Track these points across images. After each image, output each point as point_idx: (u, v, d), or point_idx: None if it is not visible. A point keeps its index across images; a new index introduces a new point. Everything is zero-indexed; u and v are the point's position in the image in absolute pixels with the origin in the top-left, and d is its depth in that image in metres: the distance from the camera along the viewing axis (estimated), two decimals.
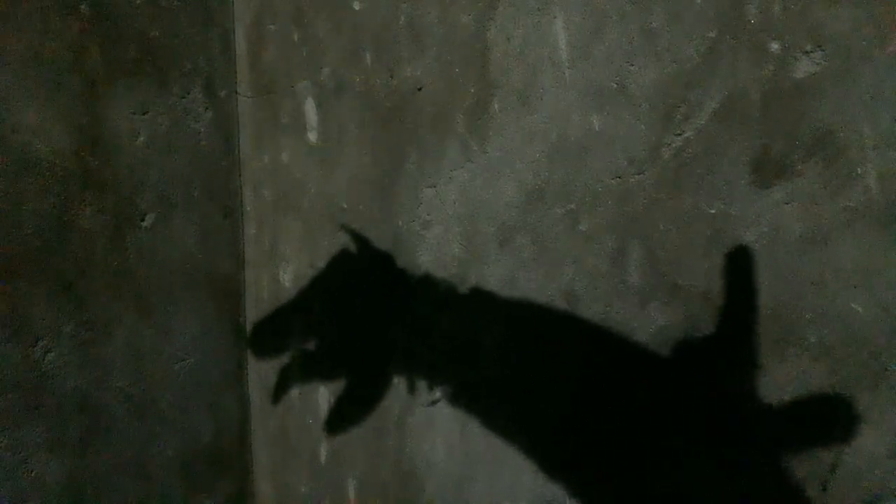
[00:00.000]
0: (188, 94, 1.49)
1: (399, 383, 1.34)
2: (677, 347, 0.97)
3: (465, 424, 1.23)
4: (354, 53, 1.36)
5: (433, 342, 1.27)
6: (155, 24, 1.41)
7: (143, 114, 1.39)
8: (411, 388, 1.32)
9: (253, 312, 1.64)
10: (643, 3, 0.97)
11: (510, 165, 1.14)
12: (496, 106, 1.14)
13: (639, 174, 0.99)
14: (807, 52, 0.83)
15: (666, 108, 0.96)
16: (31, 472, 1.20)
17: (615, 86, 1.01)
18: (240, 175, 1.63)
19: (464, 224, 1.21)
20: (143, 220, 1.40)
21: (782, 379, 0.87)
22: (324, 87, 1.42)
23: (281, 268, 1.56)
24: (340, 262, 1.44)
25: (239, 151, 1.63)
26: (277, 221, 1.56)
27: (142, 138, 1.39)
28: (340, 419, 1.46)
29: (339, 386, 1.46)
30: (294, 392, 1.55)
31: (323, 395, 1.49)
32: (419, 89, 1.25)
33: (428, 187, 1.26)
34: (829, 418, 0.84)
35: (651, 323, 0.99)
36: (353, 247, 1.40)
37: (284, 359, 1.57)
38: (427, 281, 1.27)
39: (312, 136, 1.46)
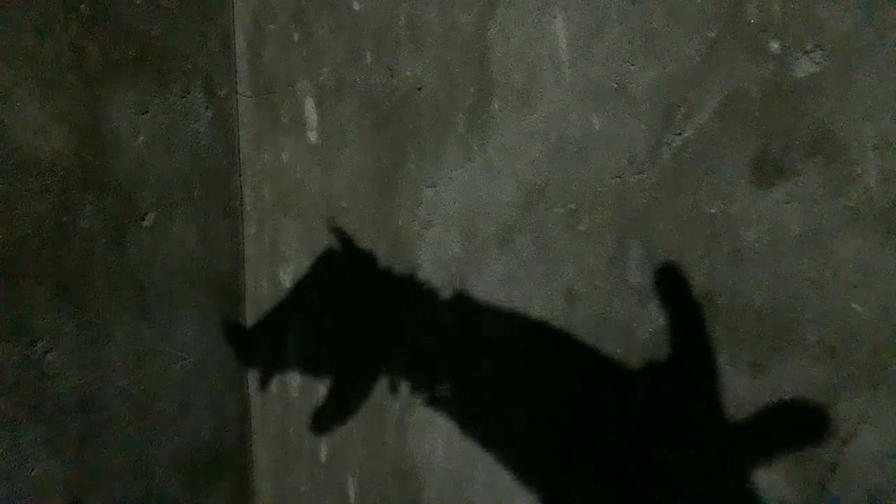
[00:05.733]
0: (188, 93, 1.49)
1: (399, 382, 1.34)
2: (677, 347, 0.97)
3: (465, 424, 1.23)
4: (354, 53, 1.36)
5: (433, 342, 1.27)
6: (155, 23, 1.41)
7: (143, 114, 1.39)
8: (412, 388, 1.32)
9: (253, 312, 1.64)
10: (643, 2, 0.97)
11: (510, 165, 1.14)
12: (496, 106, 1.14)
13: (639, 174, 0.99)
14: (807, 52, 0.83)
15: (666, 107, 0.96)
16: (31, 471, 1.20)
17: (615, 85, 1.01)
18: (240, 175, 1.63)
19: (464, 224, 1.21)
20: (143, 219, 1.40)
21: (782, 379, 0.87)
22: (324, 87, 1.42)
23: (281, 268, 1.56)
24: (340, 261, 1.44)
25: (239, 151, 1.63)
26: (277, 221, 1.56)
27: (142, 138, 1.39)
28: (338, 417, 1.46)
29: (338, 385, 1.46)
30: (294, 392, 1.55)
31: (322, 395, 1.49)
32: (419, 89, 1.25)
33: (428, 187, 1.26)
34: (828, 417, 0.84)
35: (651, 323, 0.99)
36: (352, 246, 1.40)
37: (281, 356, 1.57)
38: (427, 280, 1.28)
39: (312, 136, 1.46)
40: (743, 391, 0.91)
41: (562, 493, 1.10)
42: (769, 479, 0.89)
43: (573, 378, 1.08)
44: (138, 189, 1.38)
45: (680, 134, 0.95)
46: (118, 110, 1.34)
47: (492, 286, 1.18)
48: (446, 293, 1.24)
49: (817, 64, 0.83)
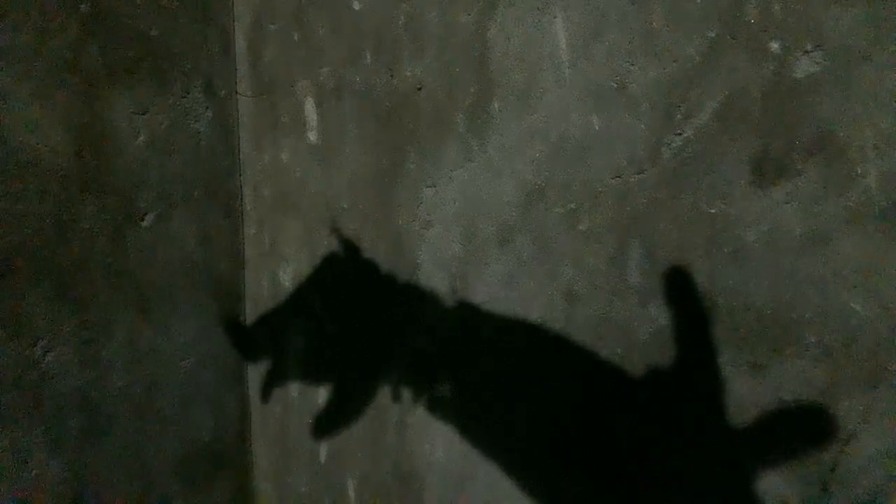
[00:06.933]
0: (188, 93, 1.49)
1: (399, 383, 1.34)
2: (678, 347, 0.97)
3: (465, 424, 1.23)
4: (354, 53, 1.36)
5: (433, 342, 1.27)
6: (155, 23, 1.41)
7: (143, 114, 1.39)
8: (412, 388, 1.31)
9: (253, 312, 1.64)
10: (643, 2, 0.97)
11: (510, 165, 1.14)
12: (496, 106, 1.14)
13: (639, 174, 0.99)
14: (807, 52, 0.83)
15: (666, 107, 0.96)
16: (31, 472, 1.20)
17: (615, 85, 1.01)
18: (240, 175, 1.63)
19: (464, 224, 1.21)
20: (143, 219, 1.40)
21: (782, 379, 0.87)
22: (324, 87, 1.42)
23: (281, 268, 1.56)
24: (340, 261, 1.44)
25: (239, 151, 1.63)
26: (277, 221, 1.56)
27: (142, 138, 1.39)
28: (339, 418, 1.46)
29: (337, 385, 1.46)
30: (294, 392, 1.55)
31: (322, 395, 1.49)
32: (419, 89, 1.25)
33: (428, 187, 1.26)
34: (828, 418, 0.84)
35: (651, 323, 0.99)
36: (352, 246, 1.40)
37: (282, 357, 1.57)
38: (427, 281, 1.28)
39: (312, 136, 1.46)
40: (743, 391, 0.91)
41: (562, 493, 1.10)
42: (769, 479, 0.89)
43: (573, 378, 1.08)
44: (138, 189, 1.38)
45: (680, 134, 0.95)
46: (118, 110, 1.34)
47: (492, 286, 1.18)
48: (446, 293, 1.24)
49: (817, 64, 0.83)
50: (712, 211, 0.92)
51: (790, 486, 0.87)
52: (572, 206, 1.07)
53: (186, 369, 1.50)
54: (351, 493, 1.44)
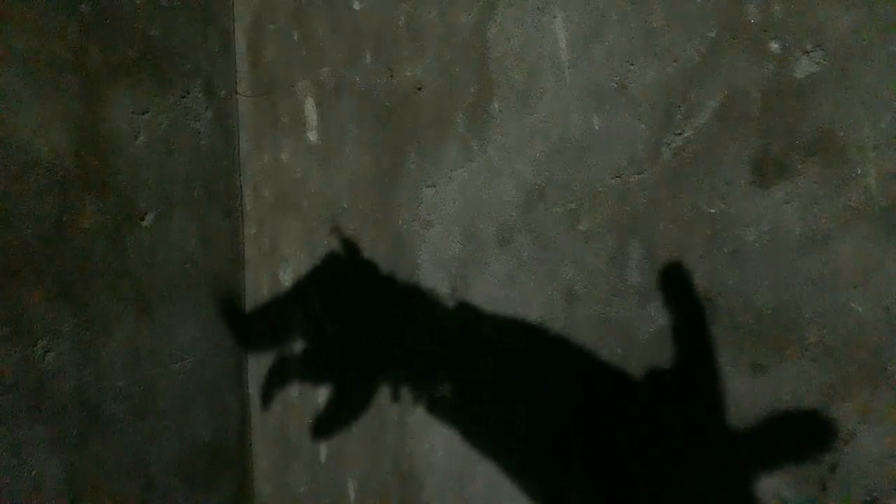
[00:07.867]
0: (188, 93, 1.49)
1: (399, 384, 1.34)
2: (678, 347, 0.97)
3: (465, 424, 1.23)
4: (354, 53, 1.36)
5: (433, 342, 1.27)
6: (155, 23, 1.41)
7: (143, 114, 1.39)
8: (412, 388, 1.31)
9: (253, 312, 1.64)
10: (643, 2, 0.97)
11: (510, 165, 1.14)
12: (496, 106, 1.14)
13: (639, 174, 0.99)
14: (807, 52, 0.83)
15: (666, 107, 0.96)
16: (31, 471, 1.20)
17: (615, 85, 1.01)
18: (240, 175, 1.63)
19: (464, 224, 1.21)
20: (143, 219, 1.40)
21: (782, 379, 0.87)
22: (324, 87, 1.42)
23: (281, 267, 1.56)
24: (340, 261, 1.44)
25: (239, 151, 1.63)
26: (277, 221, 1.56)
27: (142, 138, 1.39)
28: (339, 419, 1.46)
29: (337, 385, 1.46)
30: (293, 392, 1.55)
31: (322, 395, 1.49)
32: (419, 89, 1.25)
33: (428, 187, 1.26)
34: (828, 419, 0.84)
35: (651, 323, 0.99)
36: (352, 246, 1.40)
37: (282, 358, 1.57)
38: (427, 281, 1.27)
39: (312, 136, 1.46)
40: (743, 391, 0.91)
41: (562, 493, 1.10)
42: (769, 479, 0.89)
43: (573, 378, 1.08)
44: (138, 189, 1.38)
45: (680, 134, 0.95)
46: (118, 110, 1.34)
47: (492, 286, 1.18)
48: (446, 293, 1.24)
49: (817, 64, 0.83)
50: (712, 211, 0.92)
51: (790, 486, 0.87)
52: (572, 206, 1.07)
53: (186, 369, 1.50)
54: (351, 493, 1.44)
